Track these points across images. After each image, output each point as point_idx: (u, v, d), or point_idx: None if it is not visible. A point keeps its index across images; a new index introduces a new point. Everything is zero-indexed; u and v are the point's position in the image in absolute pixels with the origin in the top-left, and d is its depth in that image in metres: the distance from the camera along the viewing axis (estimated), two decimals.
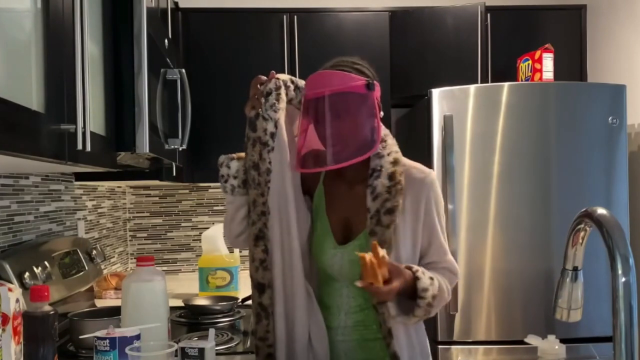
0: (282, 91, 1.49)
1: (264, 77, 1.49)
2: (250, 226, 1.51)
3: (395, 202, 1.45)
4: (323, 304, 1.57)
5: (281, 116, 1.49)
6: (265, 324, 1.49)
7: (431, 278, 1.45)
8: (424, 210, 1.49)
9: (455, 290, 2.47)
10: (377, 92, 1.47)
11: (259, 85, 1.49)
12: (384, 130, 1.51)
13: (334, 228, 1.55)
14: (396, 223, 1.45)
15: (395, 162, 1.49)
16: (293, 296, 1.50)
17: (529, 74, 2.79)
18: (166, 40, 2.00)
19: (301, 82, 1.54)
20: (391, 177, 1.46)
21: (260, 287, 1.49)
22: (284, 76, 1.52)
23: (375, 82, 1.46)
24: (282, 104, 1.49)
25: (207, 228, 2.83)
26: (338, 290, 1.56)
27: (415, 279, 1.43)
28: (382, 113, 1.49)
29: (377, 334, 1.52)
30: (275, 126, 1.47)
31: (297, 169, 1.51)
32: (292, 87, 1.52)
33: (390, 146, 1.51)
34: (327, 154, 1.46)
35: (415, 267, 1.45)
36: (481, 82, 2.95)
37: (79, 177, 2.35)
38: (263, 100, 1.47)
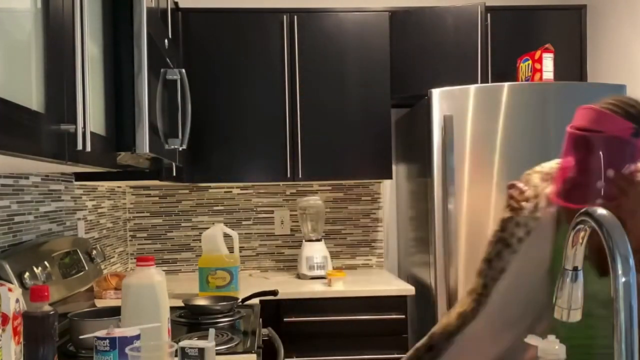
0: (542, 199, 1.43)
1: (522, 186, 1.45)
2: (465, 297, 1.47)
3: None
4: None
5: (536, 225, 1.43)
6: None
7: None
8: None
9: (455, 290, 2.47)
10: None
11: (518, 191, 1.45)
12: None
13: None
14: None
15: None
16: None
17: (529, 74, 2.79)
18: (166, 40, 2.00)
19: None
20: None
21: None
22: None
23: None
24: (540, 213, 1.43)
25: (207, 228, 2.83)
26: None
27: None
28: None
29: None
30: (528, 233, 1.42)
31: (557, 201, 1.41)
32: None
33: None
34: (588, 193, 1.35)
35: None
36: (481, 82, 2.95)
37: (79, 177, 2.34)
38: (523, 204, 1.43)
